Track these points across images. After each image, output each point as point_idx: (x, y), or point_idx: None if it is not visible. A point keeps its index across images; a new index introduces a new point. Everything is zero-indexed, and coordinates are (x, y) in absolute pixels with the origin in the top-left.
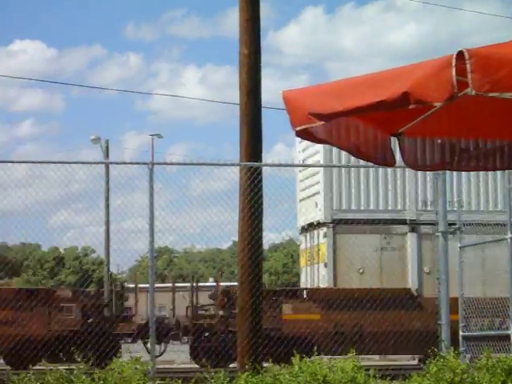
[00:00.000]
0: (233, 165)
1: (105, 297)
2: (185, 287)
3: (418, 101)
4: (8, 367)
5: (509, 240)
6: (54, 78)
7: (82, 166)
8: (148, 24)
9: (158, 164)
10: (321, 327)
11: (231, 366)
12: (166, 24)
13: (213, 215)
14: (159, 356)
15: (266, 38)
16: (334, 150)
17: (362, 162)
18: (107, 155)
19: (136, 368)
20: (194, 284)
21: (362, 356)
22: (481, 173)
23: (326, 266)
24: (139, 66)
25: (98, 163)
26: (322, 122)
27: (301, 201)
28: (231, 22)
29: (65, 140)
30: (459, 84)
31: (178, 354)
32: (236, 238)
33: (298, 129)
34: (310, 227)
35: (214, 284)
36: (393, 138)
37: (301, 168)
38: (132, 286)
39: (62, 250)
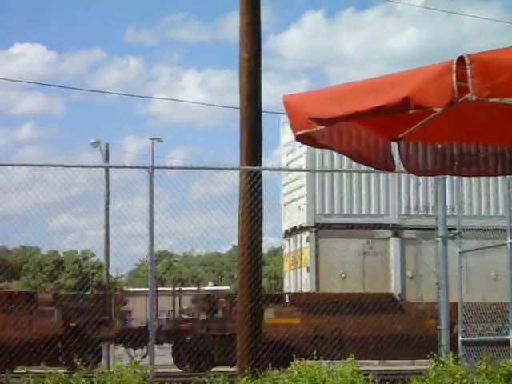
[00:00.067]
0: (233, 169)
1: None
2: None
3: (419, 106)
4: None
5: (508, 245)
6: (54, 82)
7: (82, 169)
8: (148, 28)
9: (158, 168)
10: (301, 331)
11: (223, 370)
12: (166, 28)
13: (212, 219)
14: (142, 359)
15: (266, 42)
16: (317, 154)
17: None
18: (107, 159)
19: (135, 372)
20: (177, 288)
21: (361, 361)
22: (482, 178)
23: (308, 270)
24: (139, 70)
25: (98, 167)
26: (323, 127)
27: (285, 205)
28: (231, 25)
29: (65, 143)
30: (459, 89)
31: (162, 359)
32: (236, 242)
33: (299, 133)
34: (293, 231)
35: (211, 287)
36: (393, 143)
37: (283, 172)
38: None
39: (61, 254)
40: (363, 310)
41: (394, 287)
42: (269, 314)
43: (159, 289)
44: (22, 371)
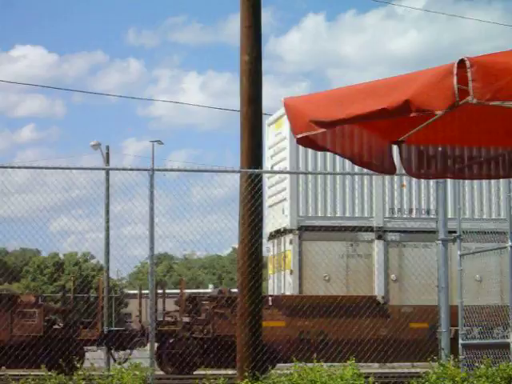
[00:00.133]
0: (233, 171)
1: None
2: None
3: (420, 109)
4: (7, 372)
5: (509, 248)
6: (55, 84)
7: (83, 171)
8: (149, 30)
9: (159, 170)
10: (286, 334)
11: (197, 372)
12: (167, 30)
13: (213, 222)
14: (125, 362)
15: (267, 44)
16: (301, 156)
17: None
18: (108, 161)
19: (135, 374)
20: (161, 291)
21: (362, 364)
22: (483, 180)
23: (291, 273)
24: (140, 72)
25: (98, 169)
26: (324, 130)
27: (269, 207)
28: (232, 28)
29: (65, 146)
30: (460, 92)
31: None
32: (236, 245)
33: (300, 136)
34: (277, 234)
35: (207, 290)
36: (394, 146)
37: (268, 174)
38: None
39: (61, 256)
40: (347, 312)
41: (378, 290)
42: None
43: (144, 291)
44: (23, 373)
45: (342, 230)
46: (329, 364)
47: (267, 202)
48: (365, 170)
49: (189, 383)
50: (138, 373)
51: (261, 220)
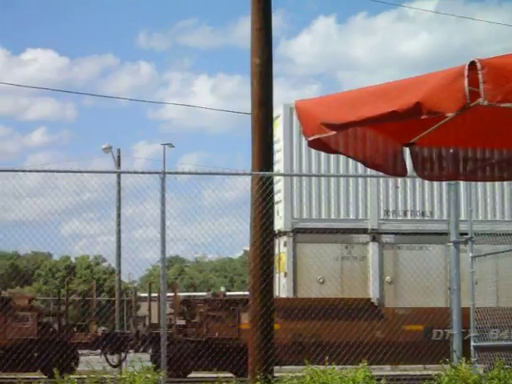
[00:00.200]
0: (244, 174)
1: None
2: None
3: (431, 111)
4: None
5: None
6: (66, 87)
7: (94, 175)
8: (160, 33)
9: (170, 173)
10: (280, 337)
11: (193, 375)
12: (177, 33)
13: (224, 224)
14: (118, 365)
15: (277, 47)
16: (295, 159)
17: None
18: (119, 164)
19: (147, 377)
20: (155, 294)
21: (373, 366)
22: (496, 182)
23: (286, 275)
24: (151, 75)
25: (109, 172)
26: (335, 132)
27: None
28: (243, 31)
29: (76, 149)
30: (471, 94)
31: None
32: (247, 248)
33: (311, 139)
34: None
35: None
36: (405, 149)
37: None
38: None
39: (73, 259)
40: (342, 315)
41: (373, 292)
42: (244, 319)
43: (142, 295)
44: (35, 376)
45: (337, 232)
46: (340, 366)
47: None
48: (368, 172)
49: None
50: (149, 376)
51: (272, 223)
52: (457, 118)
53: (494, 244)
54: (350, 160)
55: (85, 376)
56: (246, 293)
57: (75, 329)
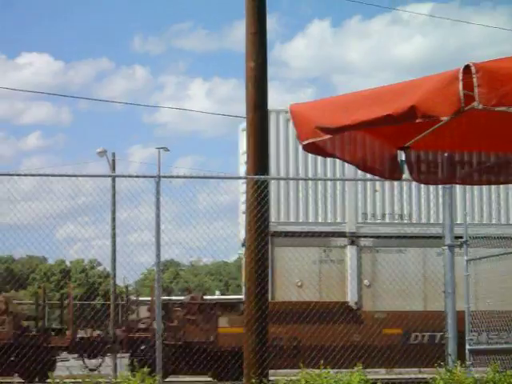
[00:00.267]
0: (239, 178)
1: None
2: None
3: (426, 115)
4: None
5: None
6: (61, 91)
7: (89, 179)
8: (155, 37)
9: (165, 177)
10: None
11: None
12: (172, 37)
13: (219, 228)
14: (95, 370)
15: (272, 51)
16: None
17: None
18: (114, 168)
19: (143, 381)
20: (134, 298)
21: (369, 370)
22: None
23: None
24: (146, 79)
25: (104, 176)
26: (329, 136)
27: (243, 213)
28: (238, 35)
29: (71, 153)
30: (466, 98)
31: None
32: (242, 251)
33: (305, 142)
34: None
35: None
36: (400, 152)
37: (243, 180)
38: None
39: (68, 263)
40: (319, 318)
41: (351, 295)
42: (220, 323)
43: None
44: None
45: (315, 236)
46: (336, 370)
47: (241, 207)
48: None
49: None
50: (145, 379)
51: (267, 226)
52: (452, 122)
53: (488, 247)
54: (329, 163)
55: (78, 380)
56: (233, 296)
57: (53, 333)
